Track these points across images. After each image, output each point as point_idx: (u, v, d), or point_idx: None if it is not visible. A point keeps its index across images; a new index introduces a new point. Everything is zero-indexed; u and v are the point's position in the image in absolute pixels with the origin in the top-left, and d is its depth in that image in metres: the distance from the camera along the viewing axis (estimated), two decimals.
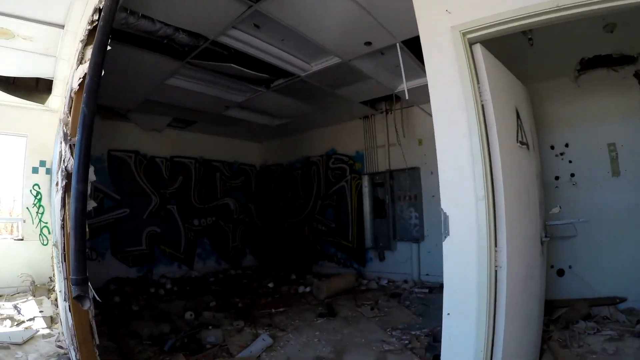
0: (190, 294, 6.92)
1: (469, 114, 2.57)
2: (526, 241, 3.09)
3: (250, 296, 6.72)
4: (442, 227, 2.57)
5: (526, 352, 3.20)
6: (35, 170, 7.28)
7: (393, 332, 4.71)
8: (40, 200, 7.30)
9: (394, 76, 6.21)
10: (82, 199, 2.44)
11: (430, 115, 5.95)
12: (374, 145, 7.94)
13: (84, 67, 2.83)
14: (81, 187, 2.44)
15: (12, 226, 7.55)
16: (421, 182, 7.22)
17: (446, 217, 2.58)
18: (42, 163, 7.33)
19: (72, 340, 2.90)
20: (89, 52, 2.91)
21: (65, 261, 2.78)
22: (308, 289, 6.86)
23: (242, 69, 5.57)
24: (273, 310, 5.78)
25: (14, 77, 6.39)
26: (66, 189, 2.74)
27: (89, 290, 2.47)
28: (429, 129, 6.85)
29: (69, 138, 2.79)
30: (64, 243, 2.78)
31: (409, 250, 7.32)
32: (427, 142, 7.10)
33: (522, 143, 3.24)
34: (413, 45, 4.91)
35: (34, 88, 6.80)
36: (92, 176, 2.63)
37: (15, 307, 5.88)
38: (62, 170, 2.81)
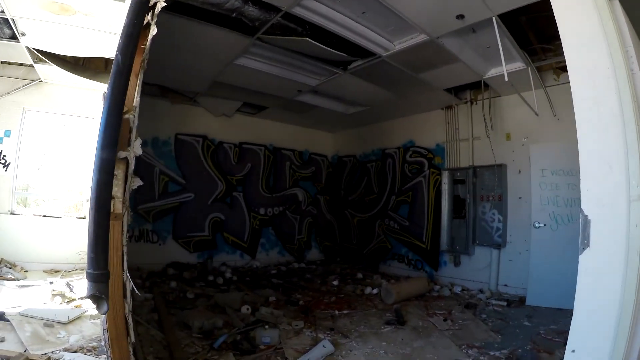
0: (249, 285, 7.31)
1: (620, 89, 2.08)
2: None
3: (312, 293, 6.95)
4: (580, 236, 2.11)
5: None
6: None
7: (469, 351, 4.53)
8: None
9: (484, 59, 6.12)
10: (105, 169, 2.16)
11: (526, 104, 5.72)
12: (457, 139, 7.89)
13: None
14: (106, 154, 2.16)
15: (76, 204, 8.27)
16: (507, 181, 7.09)
17: (587, 222, 2.10)
18: None
19: (103, 334, 2.73)
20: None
21: None
22: (375, 291, 7.01)
23: (319, 44, 5.48)
24: (336, 312, 5.86)
25: (84, 58, 6.87)
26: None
27: (106, 290, 2.18)
28: (519, 122, 6.76)
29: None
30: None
31: (488, 256, 7.22)
32: (515, 136, 6.97)
33: None
34: (508, 22, 4.76)
35: (103, 69, 7.32)
36: (138, 149, 2.60)
37: (68, 284, 6.38)
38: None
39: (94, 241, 2.13)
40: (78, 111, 7.93)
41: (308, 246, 10.52)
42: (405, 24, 4.96)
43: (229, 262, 8.93)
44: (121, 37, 2.33)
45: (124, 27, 2.35)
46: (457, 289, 7.26)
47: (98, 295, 2.13)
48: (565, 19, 2.30)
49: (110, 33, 5.38)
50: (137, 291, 2.52)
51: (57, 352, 3.99)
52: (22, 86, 7.44)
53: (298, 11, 4.71)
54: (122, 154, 2.50)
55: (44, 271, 7.17)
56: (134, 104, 2.73)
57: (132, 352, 2.69)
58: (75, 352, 4.04)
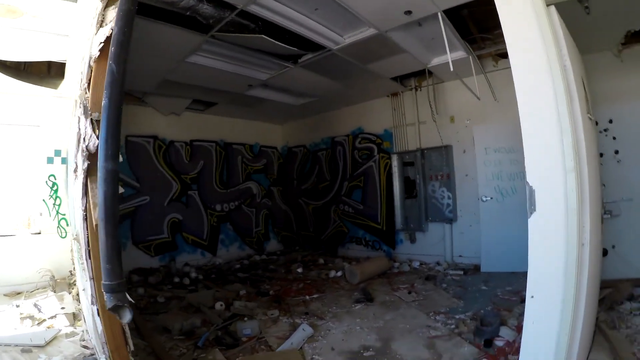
0: (217, 282, 7.47)
1: (554, 80, 2.55)
2: (597, 218, 3.20)
3: (280, 282, 7.26)
4: (527, 203, 2.58)
5: (588, 333, 3.38)
6: (50, 161, 7.71)
7: (437, 317, 5.00)
8: (56, 191, 7.72)
9: (428, 50, 6.59)
10: (112, 180, 2.19)
11: (468, 89, 6.26)
12: (404, 123, 8.41)
13: (105, 30, 2.71)
14: (111, 165, 2.19)
15: (28, 220, 7.83)
16: (454, 160, 7.71)
17: (532, 192, 2.56)
18: (57, 152, 7.76)
19: (102, 348, 2.81)
20: (111, 13, 2.79)
21: (90, 258, 2.69)
22: (339, 274, 7.43)
23: (275, 41, 5.65)
24: (307, 297, 6.22)
25: (25, 63, 6.64)
26: (88, 173, 2.59)
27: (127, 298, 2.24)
28: (461, 105, 7.40)
29: (89, 113, 2.64)
30: (88, 237, 2.68)
31: (441, 231, 7.86)
32: (459, 119, 7.60)
33: (590, 116, 3.38)
34: (451, 15, 5.19)
35: (46, 74, 7.16)
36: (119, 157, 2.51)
37: (36, 305, 6.14)
38: (82, 151, 2.64)
39: (109, 252, 2.19)
40: (20, 120, 7.45)
41: (266, 238, 10.76)
42: (356, 19, 5.27)
43: (191, 261, 8.97)
44: (113, 46, 2.35)
45: (114, 35, 2.36)
46: (416, 264, 7.86)
47: (120, 304, 2.21)
48: (508, 22, 2.75)
49: (58, 35, 5.26)
50: (130, 299, 2.40)
51: None
52: None
53: (253, 9, 4.86)
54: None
55: (4, 295, 6.80)
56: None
57: None
58: None
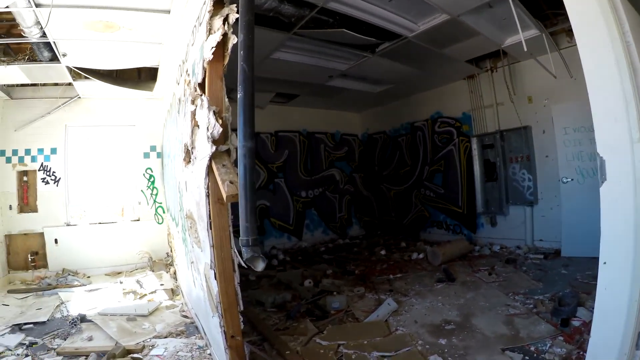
0: (304, 263, 8.11)
1: (618, 58, 2.72)
2: None
3: (364, 264, 7.76)
4: (598, 173, 2.74)
5: None
6: (146, 155, 8.92)
7: (516, 297, 5.18)
8: (153, 182, 8.92)
9: (501, 30, 6.68)
10: (250, 155, 2.60)
11: (543, 68, 6.35)
12: (481, 105, 8.54)
13: (216, 36, 3.10)
14: (250, 143, 2.60)
15: (122, 209, 8.92)
16: (533, 141, 7.73)
17: (602, 162, 2.71)
18: (153, 148, 8.96)
19: (217, 307, 3.17)
20: (217, 22, 3.18)
21: (211, 229, 3.08)
22: (421, 256, 7.80)
23: (354, 34, 6.07)
24: (391, 276, 6.65)
25: (117, 70, 7.50)
26: (213, 156, 2.99)
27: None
28: (539, 84, 7.53)
29: (211, 107, 3.12)
30: (210, 211, 3.08)
31: (522, 214, 7.95)
32: (536, 99, 7.60)
33: None
34: None
35: (137, 79, 8.11)
36: (235, 142, 2.93)
37: (138, 281, 7.10)
38: (207, 138, 3.06)
39: (249, 213, 2.59)
40: (118, 121, 8.74)
41: (349, 223, 11.40)
42: (428, 7, 5.55)
43: (278, 245, 9.86)
44: (242, 49, 2.78)
45: (242, 41, 2.80)
46: (496, 248, 8.02)
47: (256, 255, 2.64)
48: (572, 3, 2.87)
49: (151, 43, 5.93)
50: (243, 264, 2.80)
51: (149, 340, 4.58)
52: (62, 104, 8.24)
53: (332, 5, 5.31)
54: (222, 148, 3.00)
55: (105, 274, 7.98)
56: (225, 105, 3.21)
57: (241, 320, 3.15)
58: (165, 337, 4.64)
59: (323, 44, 6.75)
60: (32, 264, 7.88)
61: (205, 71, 3.26)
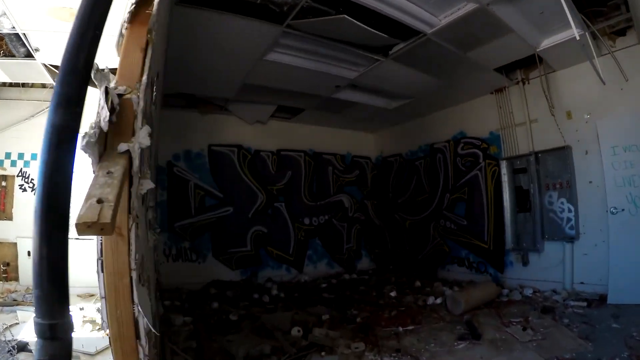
0: (298, 302, 7.10)
1: None
2: None
3: (369, 308, 6.61)
4: None
5: None
6: None
7: None
8: None
9: (537, 28, 5.69)
10: (59, 141, 1.48)
11: (595, 72, 5.30)
12: (512, 124, 7.45)
13: None
14: (59, 117, 1.49)
15: None
16: (574, 165, 6.53)
17: None
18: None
19: None
20: None
21: (103, 272, 2.17)
22: (439, 301, 6.65)
23: (359, 23, 5.17)
24: (400, 329, 5.45)
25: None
26: (102, 160, 1.99)
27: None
28: (579, 96, 6.51)
29: (104, 80, 2.14)
30: (102, 246, 2.16)
31: (560, 251, 6.69)
32: (577, 114, 6.48)
33: None
34: None
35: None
36: (145, 140, 2.06)
37: (99, 310, 6.28)
38: (92, 128, 1.96)
39: (39, 267, 1.41)
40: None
41: (358, 255, 10.29)
42: None
43: (274, 277, 8.80)
44: None
45: None
46: (528, 292, 6.74)
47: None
48: None
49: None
50: (154, 330, 2.10)
51: None
52: (46, 108, 7.53)
53: None
54: (123, 147, 2.01)
55: (77, 295, 7.22)
56: (140, 82, 2.29)
57: None
58: None
59: (325, 42, 5.87)
60: (4, 275, 7.52)
61: (123, 39, 2.54)
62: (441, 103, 8.59)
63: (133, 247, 2.05)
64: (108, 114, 1.97)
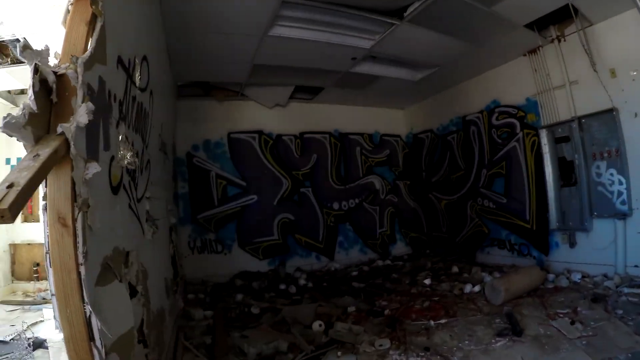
0: (326, 292, 6.61)
1: None
2: None
3: (400, 298, 5.95)
4: None
5: None
6: None
7: None
8: None
9: None
10: None
11: None
12: (549, 87, 6.43)
13: None
14: None
15: None
16: (622, 129, 5.49)
17: None
18: None
19: None
20: None
21: (51, 267, 1.90)
22: (477, 289, 5.87)
23: None
24: (432, 322, 4.74)
25: None
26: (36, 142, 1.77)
27: None
28: (624, 51, 5.43)
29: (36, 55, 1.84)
30: (48, 238, 1.90)
31: (611, 230, 5.69)
32: (622, 71, 5.41)
33: None
34: None
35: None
36: (83, 118, 1.80)
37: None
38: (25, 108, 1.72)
39: None
40: None
41: (392, 240, 9.56)
42: None
43: (304, 266, 8.33)
44: None
45: None
46: (576, 277, 5.83)
47: None
48: None
49: None
50: (107, 332, 1.85)
51: None
52: None
53: None
54: (59, 128, 1.76)
55: None
56: (81, 55, 1.98)
57: None
58: None
59: (330, 10, 5.20)
60: (35, 275, 7.61)
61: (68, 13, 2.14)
62: (470, 70, 7.63)
63: (80, 239, 1.77)
64: (32, 93, 1.69)
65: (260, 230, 8.26)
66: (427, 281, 6.64)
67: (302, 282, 7.34)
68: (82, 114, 1.81)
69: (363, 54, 6.51)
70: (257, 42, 5.85)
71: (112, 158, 2.31)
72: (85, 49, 2.00)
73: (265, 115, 8.51)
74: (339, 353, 4.08)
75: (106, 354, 1.88)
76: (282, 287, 7.04)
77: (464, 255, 8.18)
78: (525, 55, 6.72)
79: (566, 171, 6.38)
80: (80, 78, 1.84)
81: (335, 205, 8.98)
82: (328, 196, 8.94)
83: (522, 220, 7.09)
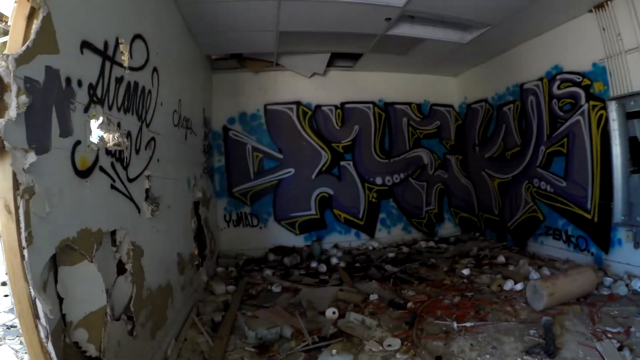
0: (355, 274, 6.11)
1: None
2: None
3: (430, 289, 5.23)
4: None
5: None
6: None
7: None
8: None
9: None
10: None
11: None
12: (620, 50, 5.00)
13: None
14: None
15: None
16: None
17: None
18: None
19: None
20: None
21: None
22: (519, 287, 4.99)
23: None
24: (455, 325, 3.99)
25: None
26: None
27: None
28: None
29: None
30: None
31: None
32: None
33: None
34: None
35: None
36: (12, 113, 1.87)
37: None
38: None
39: None
40: None
41: (440, 219, 8.62)
42: None
43: (342, 242, 7.83)
44: None
45: None
46: (637, 284, 4.68)
47: None
48: None
49: None
50: (49, 313, 1.95)
51: None
52: None
53: None
54: None
55: None
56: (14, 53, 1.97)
57: None
58: None
59: None
60: None
61: None
62: (527, 30, 6.27)
63: (23, 225, 1.90)
64: None
65: (297, 204, 7.83)
66: (466, 271, 5.77)
67: (334, 261, 6.88)
68: (12, 108, 1.88)
69: (397, 13, 5.50)
70: (276, 7, 5.19)
71: (78, 143, 2.35)
72: (23, 43, 2.02)
73: (303, 85, 7.86)
74: (334, 352, 3.56)
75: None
76: (314, 265, 6.67)
77: (515, 242, 7.12)
78: (591, 11, 5.29)
79: (638, 153, 5.10)
80: (11, 74, 1.86)
81: (379, 180, 8.21)
82: (370, 170, 8.18)
83: (582, 209, 5.85)
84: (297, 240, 7.74)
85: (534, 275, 5.25)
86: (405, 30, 6.21)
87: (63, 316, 2.25)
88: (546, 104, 6.38)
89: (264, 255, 7.34)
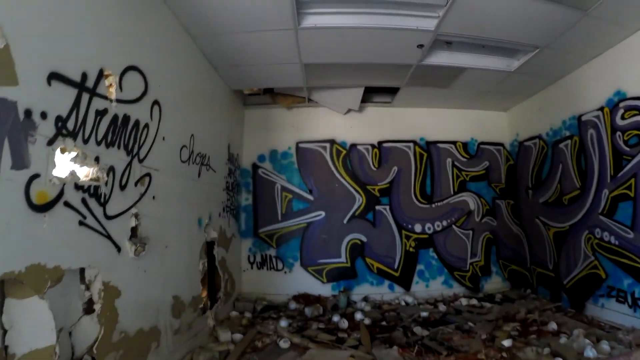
0: (378, 334, 5.16)
1: None
2: None
3: None
4: None
5: None
6: None
7: None
8: None
9: None
10: None
11: None
12: None
13: None
14: None
15: None
16: None
17: None
18: None
19: None
20: None
21: None
22: None
23: None
24: None
25: None
26: None
27: None
28: None
29: None
30: None
31: None
32: None
33: None
34: None
35: None
36: None
37: None
38: None
39: None
40: None
41: (486, 272, 7.37)
42: None
43: (373, 295, 6.91)
44: None
45: None
46: None
47: None
48: None
49: None
50: None
51: None
52: None
53: None
54: None
55: None
56: None
57: None
58: None
59: None
60: None
61: None
62: (582, 50, 5.23)
63: None
64: None
65: (326, 250, 7.09)
66: (507, 342, 4.55)
67: (358, 316, 5.91)
68: None
69: (430, 38, 4.85)
70: (294, 37, 4.80)
71: (36, 176, 2.24)
72: None
73: (338, 122, 7.32)
74: None
75: None
76: (335, 319, 5.76)
77: (572, 303, 5.74)
78: None
79: None
80: None
81: (418, 228, 7.25)
82: (409, 216, 7.26)
83: None
84: (324, 289, 6.93)
85: (590, 352, 4.02)
86: (443, 58, 5.54)
87: (5, 347, 2.14)
88: (608, 138, 5.21)
89: (286, 302, 6.60)
